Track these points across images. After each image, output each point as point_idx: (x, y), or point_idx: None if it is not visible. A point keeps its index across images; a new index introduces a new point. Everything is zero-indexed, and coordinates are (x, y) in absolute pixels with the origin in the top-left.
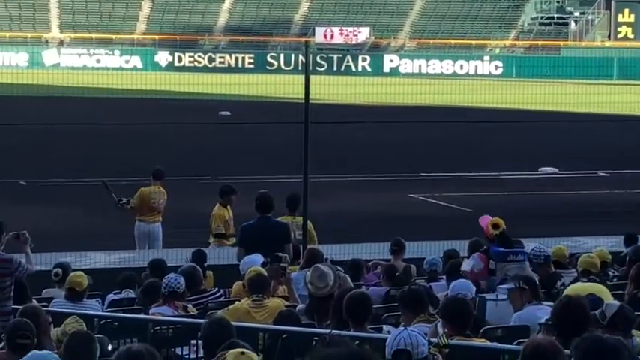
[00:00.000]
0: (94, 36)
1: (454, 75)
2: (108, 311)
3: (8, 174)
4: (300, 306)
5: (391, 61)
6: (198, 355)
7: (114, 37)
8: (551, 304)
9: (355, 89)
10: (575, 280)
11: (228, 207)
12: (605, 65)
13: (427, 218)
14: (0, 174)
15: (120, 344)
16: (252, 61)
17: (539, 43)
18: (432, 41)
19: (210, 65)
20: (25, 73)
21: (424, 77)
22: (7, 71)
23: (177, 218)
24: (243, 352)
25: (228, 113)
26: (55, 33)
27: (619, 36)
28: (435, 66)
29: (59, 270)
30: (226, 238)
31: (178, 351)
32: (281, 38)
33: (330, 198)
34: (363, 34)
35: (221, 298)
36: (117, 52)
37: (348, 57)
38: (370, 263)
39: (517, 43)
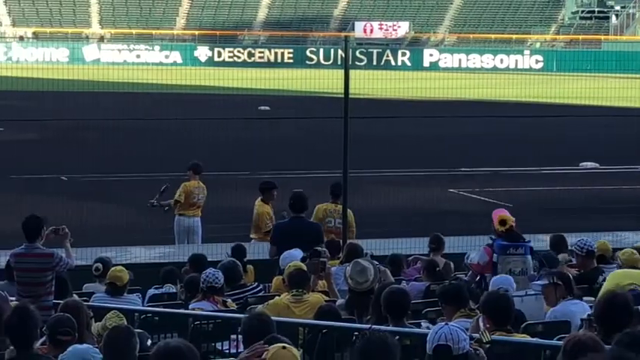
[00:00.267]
0: (134, 31)
1: (494, 69)
2: (148, 306)
3: (49, 169)
4: (340, 301)
5: (431, 55)
6: (239, 350)
7: (154, 32)
8: (592, 299)
9: (395, 84)
10: None
11: (270, 202)
12: None
13: (467, 213)
14: (41, 169)
15: (160, 339)
16: (291, 56)
17: (580, 37)
18: (472, 35)
19: (249, 60)
20: (66, 69)
21: (464, 72)
22: (48, 67)
23: (216, 213)
24: (284, 347)
25: (267, 108)
26: (96, 29)
27: None
28: (475, 60)
29: (100, 265)
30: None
31: (218, 346)
32: (320, 33)
33: (369, 193)
34: (403, 28)
35: (261, 293)
36: (157, 48)
37: (388, 51)
38: (410, 258)
39: (558, 37)
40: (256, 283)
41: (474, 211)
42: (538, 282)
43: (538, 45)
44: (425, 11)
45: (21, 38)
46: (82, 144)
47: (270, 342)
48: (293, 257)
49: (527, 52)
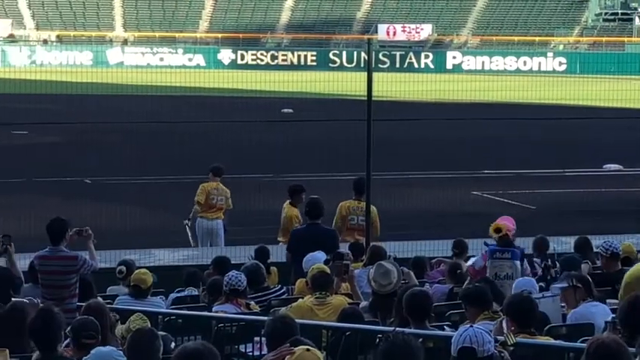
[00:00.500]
0: (157, 34)
1: (517, 71)
2: (171, 309)
3: (73, 172)
4: (364, 303)
5: (454, 57)
6: (262, 352)
7: (177, 35)
8: (616, 301)
9: (418, 86)
10: None
11: (299, 205)
12: None
13: (490, 215)
14: (65, 172)
15: (183, 341)
16: (314, 58)
17: (604, 39)
18: (495, 37)
19: (272, 63)
20: (90, 72)
21: (487, 74)
22: (72, 70)
23: (239, 216)
24: (308, 349)
25: (290, 111)
26: (119, 32)
27: None
28: (498, 62)
29: (123, 267)
30: None
31: (242, 348)
32: (343, 35)
33: (392, 195)
34: (426, 30)
35: (284, 296)
36: (180, 51)
37: (411, 54)
38: (433, 261)
39: (581, 39)
40: (279, 286)
41: (497, 213)
42: (557, 285)
43: (561, 47)
44: (448, 13)
45: (45, 42)
46: (106, 147)
47: (294, 344)
48: (316, 260)
49: (550, 54)
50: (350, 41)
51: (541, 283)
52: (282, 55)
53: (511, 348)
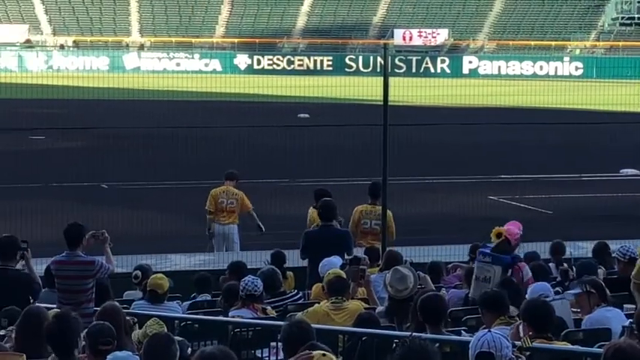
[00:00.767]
0: (173, 40)
1: (534, 76)
2: (188, 314)
3: (90, 177)
4: (380, 308)
5: (470, 62)
6: (278, 357)
7: (193, 40)
8: (633, 306)
9: (434, 91)
10: None
11: None
12: None
13: (507, 220)
14: (82, 177)
15: (200, 346)
16: (330, 63)
17: (620, 43)
18: (511, 42)
19: (289, 68)
20: (106, 77)
21: (503, 78)
22: (88, 75)
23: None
24: (324, 354)
25: (307, 116)
26: (136, 37)
27: None
28: (515, 67)
29: (139, 272)
30: None
31: (258, 353)
32: (359, 40)
33: (409, 200)
34: (442, 35)
35: (300, 301)
36: (196, 56)
37: (427, 59)
38: (450, 265)
39: (597, 43)
40: (296, 291)
41: (514, 218)
42: (571, 291)
43: (578, 52)
44: (464, 18)
45: (62, 47)
46: (123, 152)
47: (310, 349)
48: (332, 265)
49: (566, 58)
50: (366, 46)
51: (558, 288)
52: (299, 60)
53: (527, 353)
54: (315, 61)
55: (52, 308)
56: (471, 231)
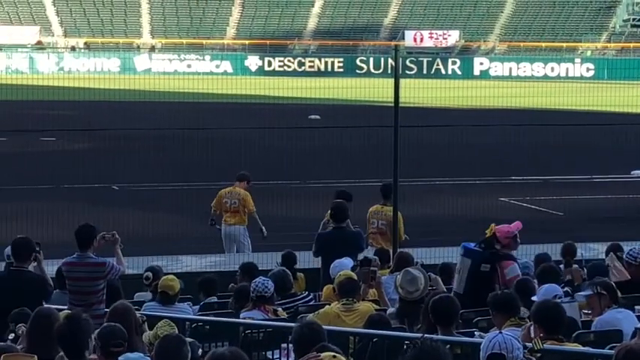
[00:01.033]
0: (184, 41)
1: (545, 77)
2: (199, 315)
3: (101, 179)
4: (391, 310)
5: (481, 64)
6: (289, 359)
7: (204, 42)
8: None
9: (445, 92)
10: None
11: None
12: None
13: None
14: (92, 179)
15: (211, 348)
16: (341, 64)
17: (631, 45)
18: (522, 44)
19: (299, 69)
20: (117, 79)
21: (514, 80)
22: (100, 77)
23: (266, 222)
24: (334, 356)
25: (317, 117)
26: (147, 39)
27: None
28: (526, 68)
29: (150, 274)
30: None
31: (269, 355)
32: (370, 42)
33: (420, 201)
34: (453, 37)
35: (311, 302)
36: (207, 57)
37: (438, 60)
38: None
39: (609, 45)
40: (307, 292)
41: (525, 219)
42: (582, 292)
43: (589, 53)
44: (475, 19)
45: (73, 48)
46: (133, 153)
47: (321, 351)
48: (343, 266)
49: (578, 60)
50: (377, 47)
51: (567, 288)
52: (310, 61)
53: (538, 354)
54: (325, 62)
55: (63, 309)
56: (482, 232)
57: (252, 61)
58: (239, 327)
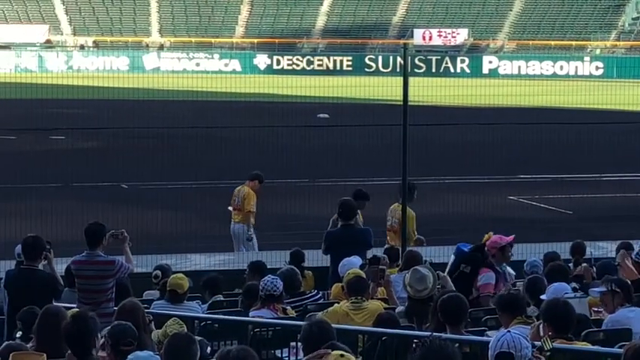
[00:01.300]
0: (193, 40)
1: (554, 76)
2: (208, 313)
3: (110, 177)
4: (400, 308)
5: (490, 62)
6: (298, 357)
7: (213, 40)
8: None
9: (454, 91)
10: None
11: (359, 211)
12: None
13: (527, 220)
14: (102, 177)
15: (219, 346)
16: (350, 63)
17: None
18: (531, 42)
19: (308, 68)
20: (126, 77)
21: (523, 78)
22: (108, 75)
23: (275, 220)
24: (342, 355)
25: (326, 116)
26: (155, 37)
27: None
28: (535, 67)
29: (159, 272)
30: None
31: (278, 353)
32: (379, 40)
33: (428, 200)
34: (462, 35)
35: (320, 301)
36: (216, 56)
37: (447, 58)
38: None
39: (618, 43)
40: (315, 291)
41: (533, 218)
42: (596, 289)
43: (598, 51)
44: (484, 18)
45: (82, 47)
46: (143, 152)
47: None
48: (352, 265)
49: (587, 58)
50: (386, 46)
51: (575, 284)
52: (318, 60)
53: (548, 353)
54: (334, 61)
55: (72, 308)
56: (491, 231)
57: (261, 60)
58: (248, 325)
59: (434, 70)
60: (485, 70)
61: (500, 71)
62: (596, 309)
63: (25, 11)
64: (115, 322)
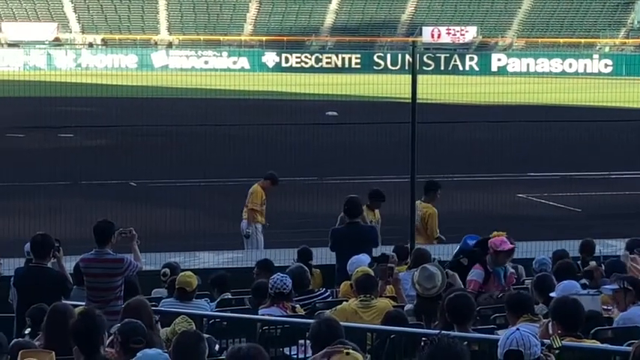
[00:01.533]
0: (201, 38)
1: (563, 74)
2: (216, 311)
3: (118, 175)
4: (408, 306)
5: (499, 60)
6: (307, 355)
7: (221, 38)
8: None
9: (462, 89)
10: None
11: (376, 210)
12: None
13: (535, 218)
14: (110, 175)
15: (228, 344)
16: (358, 61)
17: None
18: (540, 40)
19: (317, 66)
20: (134, 75)
21: (532, 76)
22: (117, 73)
23: (283, 218)
24: (347, 353)
25: (335, 113)
26: (164, 35)
27: None
28: (544, 65)
29: (167, 270)
30: None
31: (286, 351)
32: (388, 38)
33: (437, 197)
34: (471, 33)
35: (329, 299)
36: (224, 54)
37: (455, 56)
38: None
39: (627, 41)
40: (324, 289)
41: (542, 216)
42: (608, 286)
43: (607, 49)
44: (493, 16)
45: (90, 45)
46: (151, 150)
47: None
48: (361, 262)
49: (596, 56)
50: (394, 44)
51: (585, 281)
52: (327, 57)
53: (557, 351)
54: (343, 58)
55: (80, 305)
56: (499, 229)
57: (270, 58)
58: (257, 323)
59: (442, 67)
60: (494, 68)
61: (509, 69)
62: (605, 307)
63: (34, 9)
64: (126, 319)
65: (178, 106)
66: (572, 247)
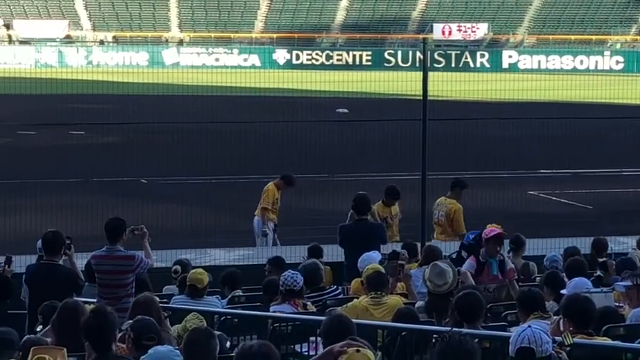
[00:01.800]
0: (212, 35)
1: (574, 70)
2: (227, 308)
3: (129, 172)
4: (419, 303)
5: (510, 57)
6: (318, 352)
7: (232, 35)
8: None
9: (473, 85)
10: None
11: (392, 207)
12: None
13: (547, 215)
14: (121, 172)
15: (239, 341)
16: (369, 58)
17: None
18: (551, 36)
19: (327, 63)
20: (145, 72)
21: (543, 73)
22: (128, 70)
23: (294, 215)
24: (358, 350)
25: (345, 111)
26: (175, 32)
27: None
28: (555, 61)
29: (178, 267)
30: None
31: (297, 348)
32: (399, 35)
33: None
34: (482, 30)
35: (340, 296)
36: (235, 51)
37: (466, 53)
38: None
39: (638, 37)
40: (335, 286)
41: (554, 213)
42: (621, 283)
43: (618, 46)
44: (504, 12)
45: (101, 42)
46: (162, 147)
47: (349, 344)
48: (371, 259)
49: (607, 53)
50: (405, 41)
51: (599, 272)
52: (337, 54)
53: (568, 349)
54: (353, 56)
55: (92, 302)
56: (511, 226)
57: (280, 55)
58: (267, 320)
59: (453, 64)
60: (505, 65)
61: (520, 66)
62: (617, 304)
63: (45, 7)
64: (139, 316)
65: (189, 104)
66: (583, 244)
